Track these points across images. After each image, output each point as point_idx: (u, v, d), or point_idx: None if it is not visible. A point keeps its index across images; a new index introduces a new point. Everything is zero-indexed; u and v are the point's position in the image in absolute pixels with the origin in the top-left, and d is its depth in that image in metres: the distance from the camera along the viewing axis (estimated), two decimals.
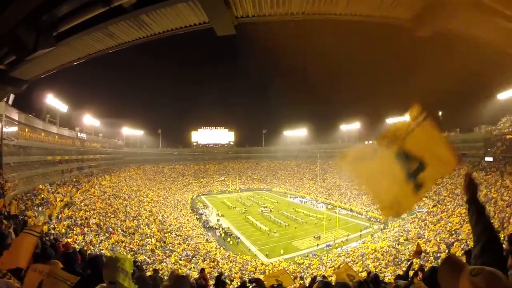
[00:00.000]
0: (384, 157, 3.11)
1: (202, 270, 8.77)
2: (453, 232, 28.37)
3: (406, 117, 3.09)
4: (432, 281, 3.47)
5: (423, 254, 25.79)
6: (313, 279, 7.40)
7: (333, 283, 5.57)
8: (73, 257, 4.25)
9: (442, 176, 3.05)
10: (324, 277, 9.65)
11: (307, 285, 7.48)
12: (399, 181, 3.01)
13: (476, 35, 6.76)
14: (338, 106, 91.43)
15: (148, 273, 8.50)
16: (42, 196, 28.67)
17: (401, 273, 23.25)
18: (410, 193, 2.98)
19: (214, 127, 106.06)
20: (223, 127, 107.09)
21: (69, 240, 21.95)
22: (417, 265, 23.62)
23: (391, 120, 71.30)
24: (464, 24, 6.23)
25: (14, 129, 28.56)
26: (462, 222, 29.66)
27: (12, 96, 26.01)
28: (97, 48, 7.72)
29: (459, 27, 6.42)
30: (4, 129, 25.62)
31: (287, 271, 18.63)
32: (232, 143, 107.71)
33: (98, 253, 6.01)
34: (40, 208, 25.84)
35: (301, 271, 28.06)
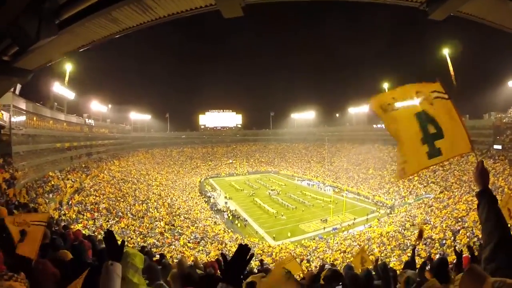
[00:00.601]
0: (406, 112, 3.08)
1: (217, 260, 8.78)
2: (459, 219, 28.24)
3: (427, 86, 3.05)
4: (441, 272, 3.43)
5: (428, 240, 25.80)
6: (322, 267, 7.41)
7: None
8: (81, 249, 4.25)
9: (454, 155, 2.98)
10: (332, 264, 9.68)
11: (315, 271, 7.49)
12: (414, 140, 3.00)
13: (490, 20, 6.53)
14: (347, 89, 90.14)
15: (155, 259, 8.58)
16: (52, 183, 29.05)
17: (406, 258, 23.43)
18: (422, 156, 2.97)
19: (221, 110, 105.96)
20: (231, 110, 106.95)
21: (79, 225, 22.35)
22: (422, 251, 23.77)
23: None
24: (479, 8, 6.01)
25: (22, 118, 28.71)
26: (468, 210, 29.48)
27: (19, 86, 26.06)
28: (101, 34, 7.59)
29: (474, 11, 6.20)
30: (13, 119, 25.73)
31: (295, 258, 18.80)
32: (239, 126, 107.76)
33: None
34: (50, 195, 26.22)
35: (308, 253, 28.31)
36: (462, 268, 4.42)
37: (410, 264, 7.29)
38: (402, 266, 21.03)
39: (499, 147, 42.51)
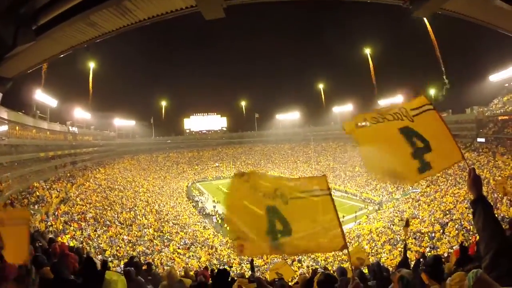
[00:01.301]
0: (390, 129, 3.10)
1: (206, 268, 8.67)
2: (447, 212, 28.73)
3: (406, 98, 3.10)
4: (435, 269, 3.43)
5: (418, 234, 26.15)
6: (315, 271, 7.37)
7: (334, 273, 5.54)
8: (61, 266, 4.09)
9: (446, 167, 3.04)
10: (325, 268, 9.65)
11: (307, 273, 7.44)
12: (404, 154, 3.01)
13: (473, 16, 6.64)
14: (330, 88, 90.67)
15: (144, 267, 8.42)
16: (37, 194, 28.40)
17: (396, 253, 23.70)
18: (413, 170, 3.00)
19: (206, 114, 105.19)
20: (215, 113, 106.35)
21: (67, 236, 21.88)
22: (412, 245, 24.07)
23: (384, 102, 71.73)
24: (461, 5, 6.10)
25: (5, 128, 28.08)
26: (455, 202, 30.09)
27: (0, 95, 25.45)
28: (80, 39, 7.43)
29: (457, 8, 6.29)
30: None
31: (286, 261, 18.79)
32: (225, 129, 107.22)
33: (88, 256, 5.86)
34: (36, 206, 25.62)
35: (298, 254, 28.34)
36: (463, 264, 4.46)
37: (403, 262, 7.30)
38: (393, 261, 21.28)
39: (483, 140, 43.54)
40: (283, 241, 3.08)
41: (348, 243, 3.09)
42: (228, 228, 3.29)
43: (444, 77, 56.27)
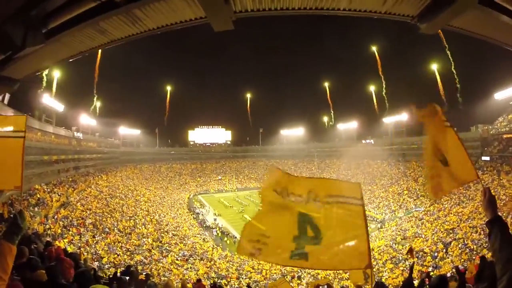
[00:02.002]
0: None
1: (199, 280, 8.58)
2: (450, 231, 28.36)
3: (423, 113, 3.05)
4: None
5: (421, 253, 25.80)
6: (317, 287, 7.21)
7: None
8: (57, 270, 4.05)
9: (459, 185, 2.96)
10: (328, 285, 9.45)
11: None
12: (438, 162, 2.93)
13: (480, 33, 6.66)
14: (335, 105, 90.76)
15: (141, 277, 8.33)
16: (38, 196, 28.44)
17: (398, 272, 23.36)
18: (450, 176, 2.88)
19: (211, 126, 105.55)
20: (220, 126, 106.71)
21: (65, 240, 21.79)
22: (415, 265, 23.67)
23: (388, 119, 71.73)
24: (469, 21, 6.13)
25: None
26: (459, 221, 29.70)
27: (7, 96, 25.75)
28: (89, 45, 7.52)
29: (464, 25, 6.31)
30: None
31: (286, 279, 18.50)
32: (229, 142, 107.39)
33: (84, 268, 5.76)
34: (36, 209, 25.63)
35: (298, 270, 27.96)
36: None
37: (408, 282, 7.16)
38: (395, 280, 20.94)
39: (487, 158, 43.24)
40: (309, 250, 2.96)
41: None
42: (248, 229, 3.17)
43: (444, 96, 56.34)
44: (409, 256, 9.05)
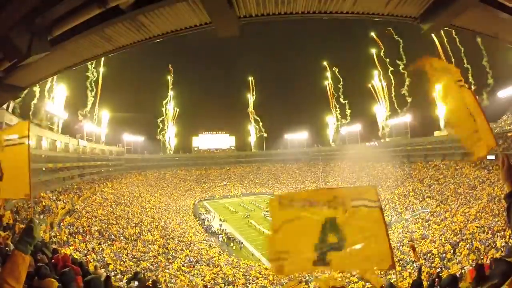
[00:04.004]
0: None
1: (205, 286, 8.50)
2: (458, 232, 28.09)
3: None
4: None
5: (429, 255, 25.54)
6: None
7: None
8: (69, 277, 4.03)
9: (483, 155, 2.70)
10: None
11: None
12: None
13: (482, 31, 6.64)
14: (338, 108, 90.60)
15: (148, 283, 8.28)
16: (44, 204, 28.53)
17: (406, 274, 23.13)
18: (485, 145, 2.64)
19: (215, 132, 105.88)
20: (224, 132, 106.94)
21: (71, 248, 21.78)
22: (423, 266, 23.45)
23: (392, 121, 71.73)
24: (471, 20, 6.10)
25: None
26: (466, 222, 29.46)
27: (12, 104, 25.94)
28: (94, 52, 7.53)
29: (466, 23, 6.29)
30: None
31: (302, 282, 18.33)
32: (233, 148, 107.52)
33: (94, 276, 5.75)
34: (41, 216, 25.69)
35: (306, 275, 27.77)
36: (481, 282, 4.29)
37: (417, 283, 7.10)
38: (403, 282, 20.74)
39: (492, 157, 42.76)
40: (331, 256, 2.98)
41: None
42: (268, 249, 3.15)
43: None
44: (416, 258, 8.96)
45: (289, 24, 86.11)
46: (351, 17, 6.75)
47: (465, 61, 58.16)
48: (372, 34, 77.14)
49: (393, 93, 74.25)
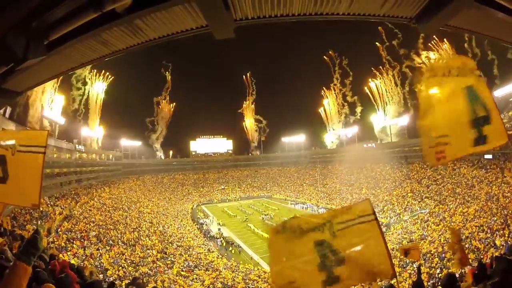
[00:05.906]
0: (456, 85, 2.86)
1: None
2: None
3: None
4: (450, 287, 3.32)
5: (428, 255, 25.57)
6: None
7: None
8: (66, 282, 4.00)
9: (497, 145, 2.70)
10: None
11: None
12: (463, 121, 2.77)
13: (479, 31, 6.68)
14: (336, 110, 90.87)
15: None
16: (41, 209, 28.36)
17: (406, 275, 23.12)
18: (467, 141, 2.76)
19: (212, 136, 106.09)
20: (221, 136, 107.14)
21: (69, 253, 21.67)
22: (422, 267, 23.46)
23: (389, 122, 71.93)
24: (467, 20, 6.14)
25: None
26: (465, 221, 29.55)
27: (9, 109, 25.85)
28: (91, 56, 7.50)
29: (462, 24, 6.32)
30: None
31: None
32: (230, 152, 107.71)
33: (96, 279, 5.69)
34: (39, 222, 25.53)
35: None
36: (481, 280, 4.29)
37: (418, 284, 7.09)
38: (402, 283, 20.71)
39: (490, 156, 43.10)
40: (338, 272, 2.98)
41: None
42: (276, 282, 3.14)
43: None
44: (415, 260, 8.93)
45: (287, 28, 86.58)
46: (347, 18, 6.76)
47: None
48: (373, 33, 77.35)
49: (391, 95, 74.48)
